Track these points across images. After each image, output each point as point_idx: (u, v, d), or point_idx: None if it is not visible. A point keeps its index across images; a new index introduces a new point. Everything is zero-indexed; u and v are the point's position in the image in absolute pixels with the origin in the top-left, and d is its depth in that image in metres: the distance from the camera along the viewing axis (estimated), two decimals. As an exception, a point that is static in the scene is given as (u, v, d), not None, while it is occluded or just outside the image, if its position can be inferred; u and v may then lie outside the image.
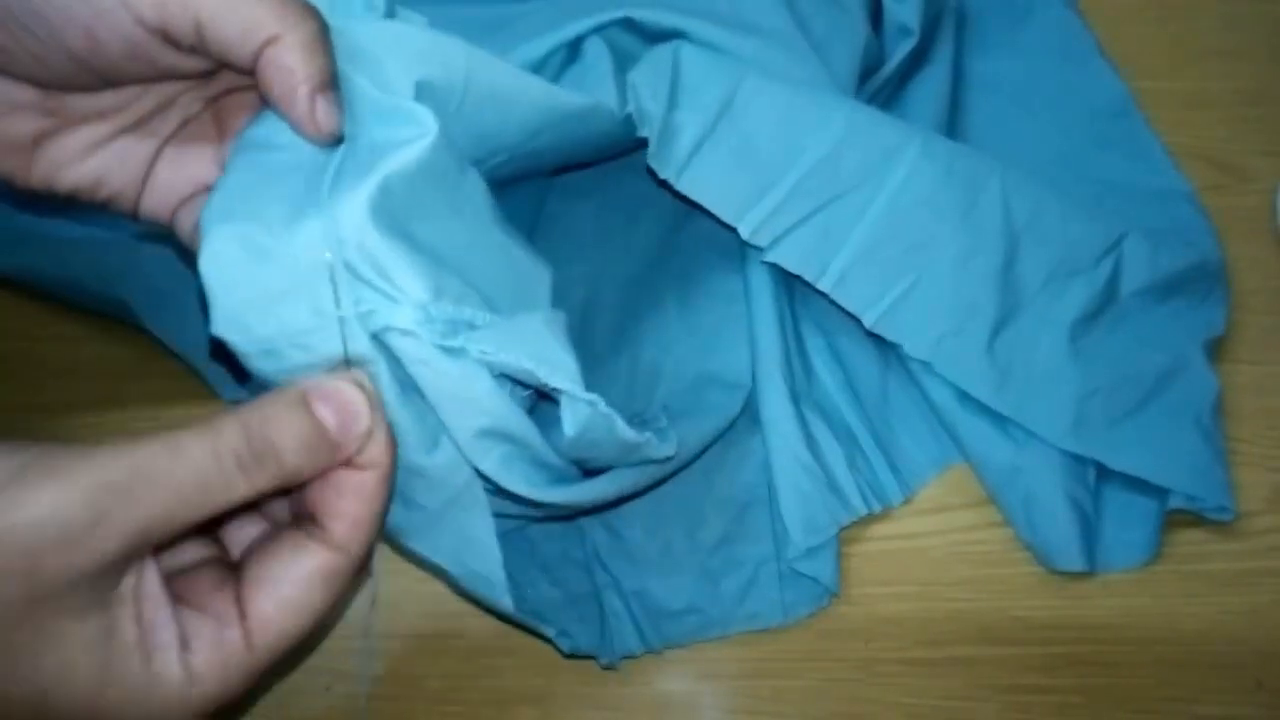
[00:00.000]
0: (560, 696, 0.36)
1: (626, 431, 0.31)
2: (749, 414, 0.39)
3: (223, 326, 0.26)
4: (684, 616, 0.37)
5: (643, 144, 0.36)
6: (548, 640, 0.35)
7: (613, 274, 0.42)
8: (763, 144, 0.36)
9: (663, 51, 0.37)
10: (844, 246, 0.37)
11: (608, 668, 0.36)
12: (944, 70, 0.44)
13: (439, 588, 0.38)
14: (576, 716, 0.36)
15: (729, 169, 0.36)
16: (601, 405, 0.30)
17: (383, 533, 0.28)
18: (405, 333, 0.27)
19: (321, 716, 0.36)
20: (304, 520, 0.26)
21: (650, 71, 0.36)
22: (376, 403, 0.26)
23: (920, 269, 0.37)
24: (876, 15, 0.43)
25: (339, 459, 0.25)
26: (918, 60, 0.44)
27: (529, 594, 0.36)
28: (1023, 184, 0.38)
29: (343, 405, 0.25)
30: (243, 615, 0.24)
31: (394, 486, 0.27)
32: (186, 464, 0.23)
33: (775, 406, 0.38)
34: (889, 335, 0.37)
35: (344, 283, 0.26)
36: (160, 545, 0.24)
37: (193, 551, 0.27)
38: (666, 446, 0.33)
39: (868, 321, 0.37)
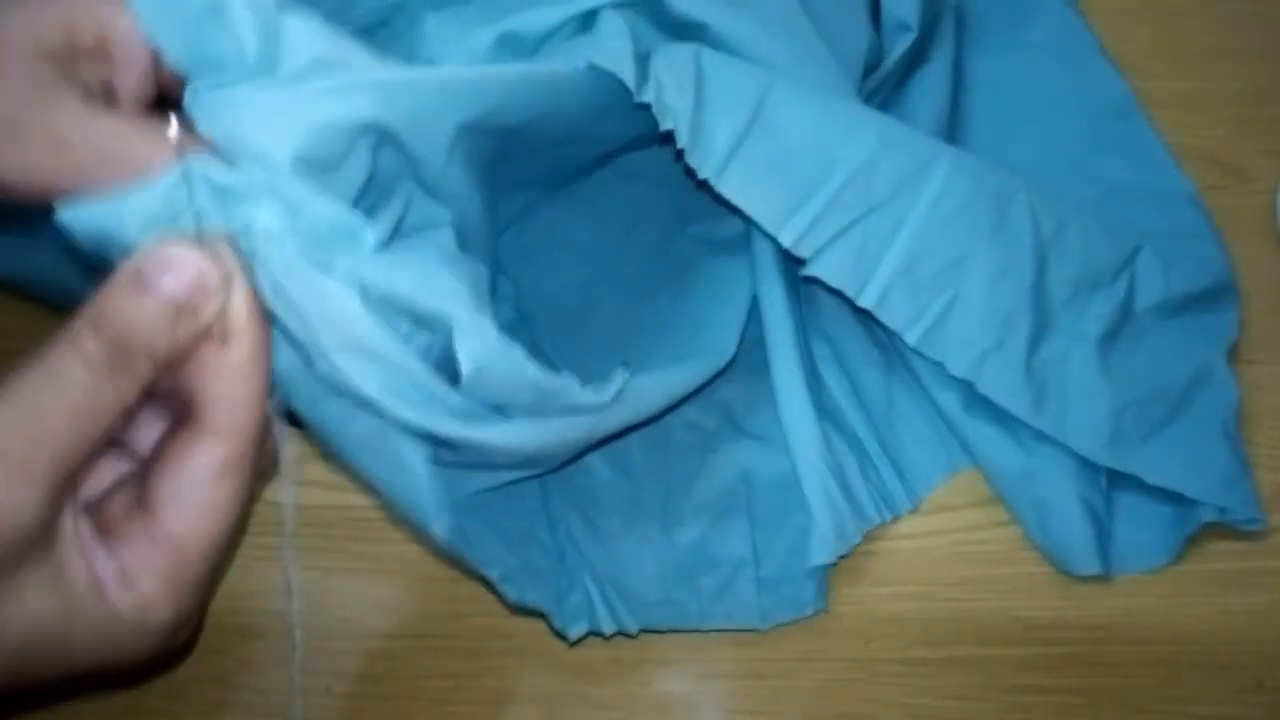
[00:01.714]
0: (560, 696, 0.36)
1: (529, 367, 0.29)
2: (733, 422, 0.39)
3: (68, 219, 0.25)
4: (660, 606, 0.37)
5: (640, 137, 0.35)
6: (491, 588, 0.34)
7: (609, 279, 0.41)
8: (796, 153, 0.35)
9: (683, 51, 0.35)
10: (883, 261, 0.36)
11: (561, 636, 0.36)
12: (944, 69, 0.44)
13: (439, 588, 0.38)
14: (576, 716, 0.36)
15: (766, 175, 0.35)
16: (493, 336, 0.28)
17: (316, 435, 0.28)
18: (267, 235, 0.25)
19: (321, 717, 0.36)
20: (188, 412, 0.25)
21: (672, 66, 0.35)
22: (227, 261, 0.24)
23: (958, 284, 0.36)
24: (875, 12, 0.43)
25: (204, 324, 0.24)
26: (917, 58, 0.44)
27: (479, 551, 0.34)
28: (1044, 197, 0.37)
29: (182, 268, 0.24)
30: (167, 534, 0.24)
31: (270, 355, 0.25)
32: (68, 387, 0.22)
33: (798, 414, 0.38)
34: (932, 353, 0.37)
35: (199, 176, 0.25)
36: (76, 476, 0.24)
37: (102, 473, 0.26)
38: (596, 394, 0.32)
39: (911, 339, 0.37)
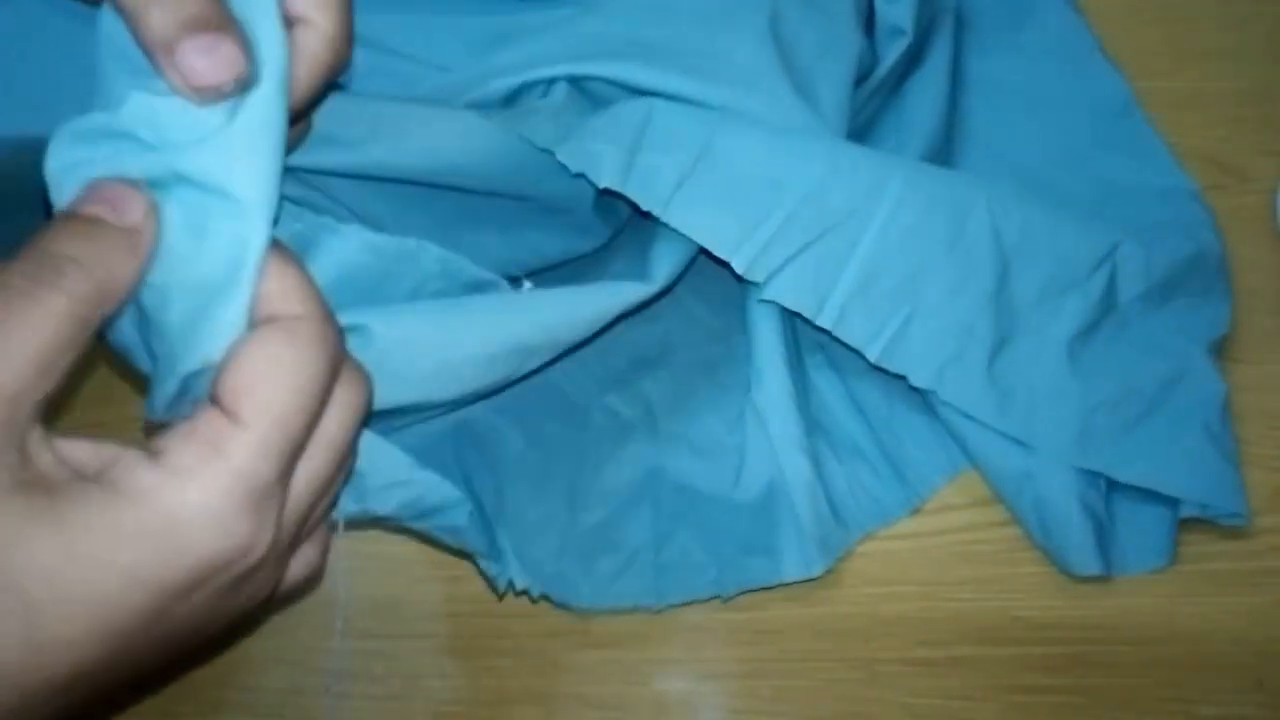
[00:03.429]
0: (560, 696, 0.36)
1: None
2: (651, 418, 0.39)
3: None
4: (555, 579, 0.37)
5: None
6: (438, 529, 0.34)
7: None
8: (746, 183, 0.36)
9: (635, 104, 0.36)
10: (839, 282, 0.36)
11: (492, 585, 0.36)
12: (942, 70, 0.44)
13: (439, 588, 0.38)
14: (576, 716, 0.36)
15: (715, 205, 0.36)
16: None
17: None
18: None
19: (322, 717, 0.36)
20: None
21: (613, 117, 0.36)
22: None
23: (916, 299, 0.37)
24: (869, 17, 0.43)
25: (141, 245, 0.23)
26: (914, 61, 0.44)
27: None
28: (1009, 204, 0.38)
29: (107, 193, 0.23)
30: (212, 399, 0.23)
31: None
32: None
33: (788, 429, 0.38)
34: (893, 368, 0.37)
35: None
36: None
37: None
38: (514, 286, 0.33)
39: (872, 355, 0.37)
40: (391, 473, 0.30)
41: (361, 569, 0.38)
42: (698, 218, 0.35)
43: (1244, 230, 0.43)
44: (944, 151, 0.44)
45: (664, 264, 0.36)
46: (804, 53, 0.39)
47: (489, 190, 0.36)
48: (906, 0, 0.42)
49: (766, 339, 0.38)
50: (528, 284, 0.34)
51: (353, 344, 0.29)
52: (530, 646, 0.37)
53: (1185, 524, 0.38)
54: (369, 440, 0.30)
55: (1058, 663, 0.36)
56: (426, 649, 0.37)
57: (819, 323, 0.37)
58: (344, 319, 0.27)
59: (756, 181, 0.36)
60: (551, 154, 0.35)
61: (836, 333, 0.37)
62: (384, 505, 0.31)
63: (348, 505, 0.31)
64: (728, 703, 0.36)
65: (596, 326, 0.35)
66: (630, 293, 0.35)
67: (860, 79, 0.41)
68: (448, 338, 0.31)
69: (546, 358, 0.35)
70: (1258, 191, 0.44)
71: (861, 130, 0.43)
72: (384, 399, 0.29)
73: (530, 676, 0.37)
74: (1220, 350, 0.40)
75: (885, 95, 0.43)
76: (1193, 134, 0.45)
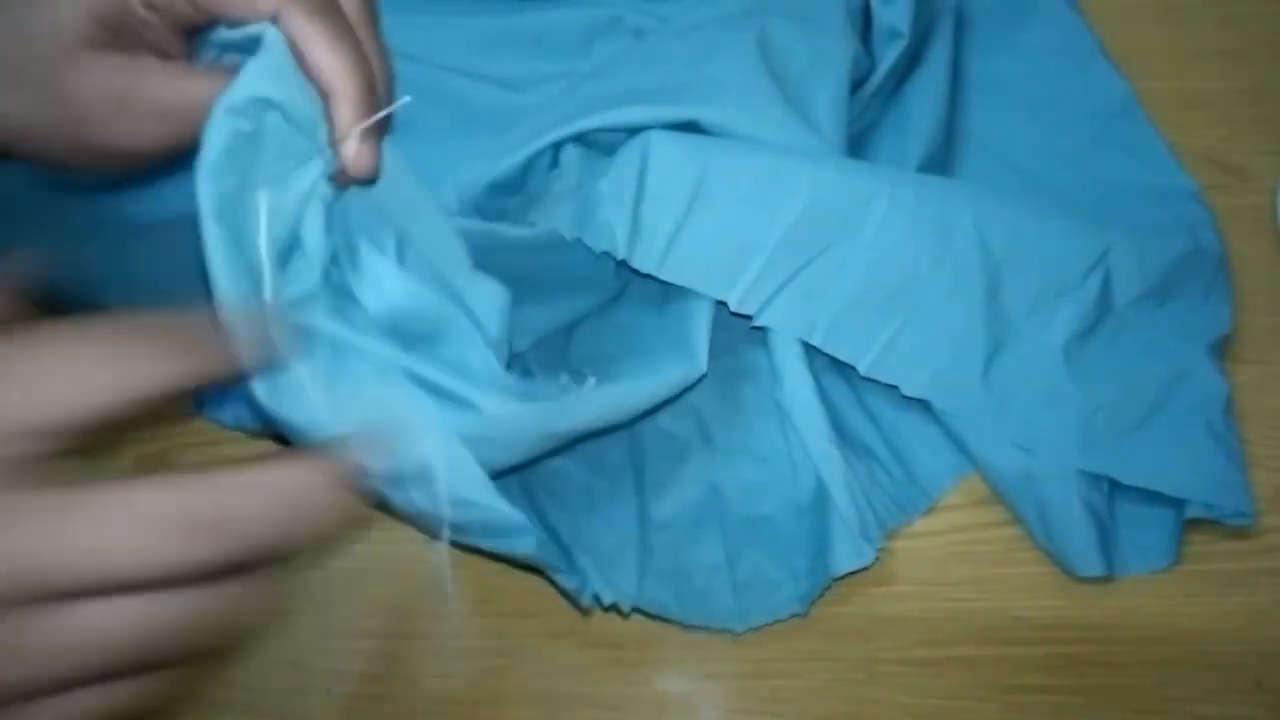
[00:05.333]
0: (560, 696, 0.36)
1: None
2: (704, 433, 0.39)
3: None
4: (642, 599, 0.37)
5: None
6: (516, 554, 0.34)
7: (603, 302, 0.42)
8: (736, 221, 0.37)
9: (632, 150, 0.37)
10: (828, 302, 0.37)
11: (575, 603, 0.36)
12: (940, 71, 0.44)
13: (439, 588, 0.38)
14: (576, 716, 0.36)
15: (708, 250, 0.37)
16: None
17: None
18: None
19: (321, 717, 0.36)
20: None
21: (616, 170, 0.37)
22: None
23: (905, 312, 0.37)
24: (865, 21, 0.43)
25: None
26: (913, 62, 0.44)
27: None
28: (997, 214, 0.38)
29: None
30: None
31: None
32: None
33: (816, 428, 0.38)
34: (884, 379, 0.38)
35: None
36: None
37: None
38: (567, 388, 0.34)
39: (862, 368, 0.38)
40: (468, 489, 0.31)
41: (361, 569, 0.38)
42: (689, 269, 0.37)
43: (1244, 230, 0.43)
44: (944, 152, 0.44)
45: (700, 340, 0.37)
46: (796, 68, 0.40)
47: (531, 274, 0.37)
48: (903, 2, 0.42)
49: (782, 339, 0.38)
50: (592, 380, 0.35)
51: (465, 414, 0.31)
52: (530, 646, 0.37)
53: (1186, 524, 0.38)
54: (458, 453, 0.30)
55: (1058, 663, 0.36)
56: (426, 649, 0.37)
57: (810, 342, 0.37)
58: (461, 392, 0.31)
59: (746, 217, 0.37)
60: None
61: (827, 350, 0.38)
62: (454, 515, 0.32)
63: (418, 500, 0.31)
64: (728, 703, 0.36)
65: (654, 405, 0.37)
66: (681, 378, 0.37)
67: (858, 84, 0.41)
68: (539, 421, 0.33)
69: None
70: (1258, 191, 0.44)
71: (863, 133, 0.43)
72: (484, 462, 0.31)
73: (530, 676, 0.37)
74: (1221, 350, 0.40)
75: (885, 97, 0.44)
76: (1193, 134, 0.45)
